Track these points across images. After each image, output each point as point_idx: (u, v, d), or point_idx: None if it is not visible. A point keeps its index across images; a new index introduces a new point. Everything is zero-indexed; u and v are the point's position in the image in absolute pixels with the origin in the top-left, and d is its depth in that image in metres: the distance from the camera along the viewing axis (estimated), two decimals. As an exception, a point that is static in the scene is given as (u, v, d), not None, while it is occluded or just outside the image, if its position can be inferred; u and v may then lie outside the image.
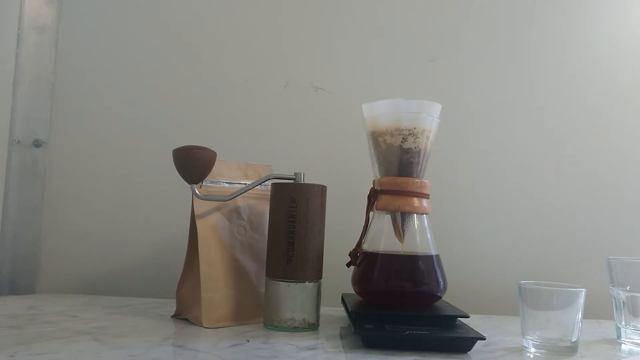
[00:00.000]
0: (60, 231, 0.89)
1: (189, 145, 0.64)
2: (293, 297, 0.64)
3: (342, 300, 0.71)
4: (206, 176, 0.66)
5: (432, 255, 0.67)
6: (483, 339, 0.57)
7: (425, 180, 0.68)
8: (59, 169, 0.90)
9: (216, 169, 0.67)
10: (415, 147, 0.67)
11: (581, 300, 0.57)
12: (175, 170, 0.65)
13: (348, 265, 0.68)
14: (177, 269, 0.70)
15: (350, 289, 0.69)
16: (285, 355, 0.53)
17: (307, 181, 0.67)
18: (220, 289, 0.65)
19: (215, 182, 0.69)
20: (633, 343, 0.65)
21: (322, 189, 0.66)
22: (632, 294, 0.66)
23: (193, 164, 0.64)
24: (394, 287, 0.65)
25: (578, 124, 0.91)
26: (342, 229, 0.75)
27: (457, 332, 0.58)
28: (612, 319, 0.69)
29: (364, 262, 0.67)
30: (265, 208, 0.70)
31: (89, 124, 0.91)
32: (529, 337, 0.59)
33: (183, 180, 0.65)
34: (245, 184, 0.70)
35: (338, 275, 0.71)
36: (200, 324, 0.63)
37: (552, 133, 0.91)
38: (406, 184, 0.67)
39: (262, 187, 0.70)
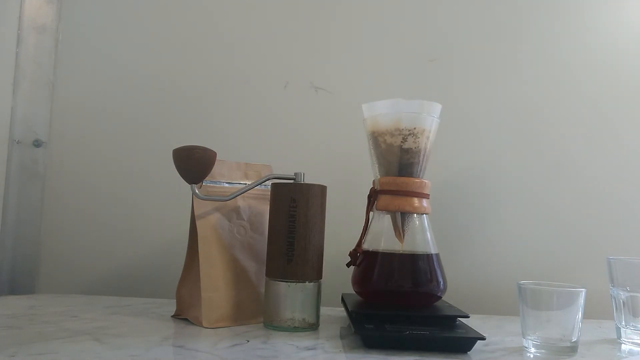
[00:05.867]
0: (60, 231, 0.89)
1: (189, 145, 0.64)
2: (293, 297, 0.64)
3: (342, 300, 0.71)
4: (206, 176, 0.66)
5: (432, 256, 0.67)
6: (483, 339, 0.57)
7: (425, 180, 0.68)
8: (59, 169, 0.90)
9: (216, 169, 0.67)
10: (415, 147, 0.67)
11: (581, 300, 0.57)
12: (175, 170, 0.65)
13: (348, 265, 0.68)
14: (177, 269, 0.70)
15: (350, 289, 0.69)
16: (285, 355, 0.53)
17: (307, 181, 0.67)
18: (220, 289, 0.65)
19: (215, 182, 0.69)
20: (633, 343, 0.65)
21: (322, 189, 0.66)
22: (632, 294, 0.66)
23: (193, 164, 0.64)
24: (394, 287, 0.65)
25: (578, 124, 0.91)
26: (342, 229, 0.75)
27: (457, 332, 0.58)
28: (612, 319, 0.69)
29: (364, 262, 0.67)
30: (265, 208, 0.70)
31: (89, 124, 0.91)
32: (529, 337, 0.59)
33: (183, 180, 0.65)
34: (245, 184, 0.70)
35: (338, 275, 0.71)
36: (200, 324, 0.63)
37: (552, 132, 0.91)
38: (406, 184, 0.67)
39: (262, 187, 0.70)
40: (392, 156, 0.68)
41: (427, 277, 0.66)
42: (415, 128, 0.67)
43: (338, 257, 0.69)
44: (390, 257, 0.67)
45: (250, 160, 0.73)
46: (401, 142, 0.67)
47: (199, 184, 0.66)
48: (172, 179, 0.68)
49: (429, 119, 0.68)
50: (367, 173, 0.73)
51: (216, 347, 0.55)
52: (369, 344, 0.57)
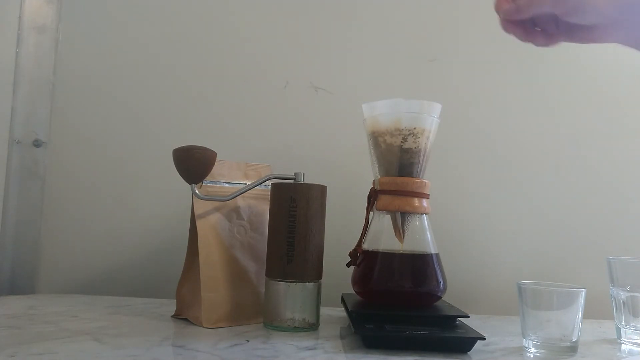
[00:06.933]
0: (60, 231, 0.89)
1: (189, 145, 0.64)
2: (293, 297, 0.64)
3: (342, 300, 0.71)
4: (206, 176, 0.66)
5: (432, 256, 0.67)
6: (483, 339, 0.57)
7: (425, 180, 0.68)
8: (59, 169, 0.90)
9: (216, 169, 0.67)
10: (415, 147, 0.67)
11: (581, 300, 0.57)
12: (175, 170, 0.65)
13: (348, 265, 0.68)
14: (177, 269, 0.70)
15: (350, 289, 0.69)
16: (285, 355, 0.53)
17: (307, 181, 0.67)
18: (220, 289, 0.65)
19: (215, 182, 0.69)
20: (633, 343, 0.65)
21: (322, 189, 0.66)
22: (632, 294, 0.66)
23: (193, 164, 0.64)
24: (394, 287, 0.65)
25: (578, 124, 0.91)
26: (342, 229, 0.75)
27: (457, 332, 0.58)
28: (612, 319, 0.69)
29: (364, 262, 0.67)
30: (265, 208, 0.70)
31: (89, 124, 0.91)
32: (529, 337, 0.59)
33: (183, 180, 0.65)
34: (245, 184, 0.70)
35: (338, 275, 0.71)
36: (200, 324, 0.63)
37: (552, 132, 0.91)
38: (406, 184, 0.67)
39: (262, 187, 0.70)
40: (392, 156, 0.68)
41: (427, 277, 0.66)
42: (415, 128, 0.67)
43: (338, 257, 0.69)
44: (390, 257, 0.67)
45: (250, 160, 0.73)
46: (401, 142, 0.67)
47: (199, 184, 0.66)
48: (172, 179, 0.68)
49: (429, 119, 0.68)
50: (367, 173, 0.73)
51: (216, 347, 0.55)
52: (369, 344, 0.57)
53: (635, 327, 0.65)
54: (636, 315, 0.65)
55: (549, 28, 0.58)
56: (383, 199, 0.67)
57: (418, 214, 0.68)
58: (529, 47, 0.92)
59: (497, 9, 0.57)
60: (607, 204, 0.89)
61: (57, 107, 0.91)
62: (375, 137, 0.69)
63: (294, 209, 0.64)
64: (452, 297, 0.70)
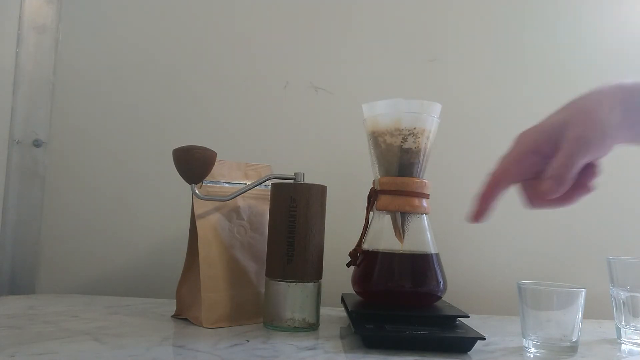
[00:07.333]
0: (60, 231, 0.89)
1: (189, 145, 0.64)
2: (293, 297, 0.64)
3: (342, 300, 0.71)
4: (206, 176, 0.66)
5: (432, 255, 0.67)
6: (483, 339, 0.57)
7: (425, 180, 0.68)
8: (59, 169, 0.90)
9: (216, 169, 0.67)
10: (415, 147, 0.67)
11: (581, 300, 0.57)
12: (175, 170, 0.65)
13: (348, 265, 0.68)
14: (177, 269, 0.70)
15: (350, 289, 0.69)
16: (285, 355, 0.53)
17: (307, 181, 0.67)
18: (220, 289, 0.65)
19: (215, 182, 0.69)
20: (633, 343, 0.65)
21: (322, 189, 0.66)
22: (632, 294, 0.66)
23: (193, 164, 0.64)
24: (394, 287, 0.65)
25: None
26: (342, 229, 0.75)
27: (457, 332, 0.58)
28: (612, 319, 0.69)
29: (364, 262, 0.67)
30: (265, 208, 0.70)
31: (89, 124, 0.91)
32: (529, 337, 0.59)
33: (183, 180, 0.65)
34: (245, 184, 0.70)
35: (338, 275, 0.71)
36: (200, 324, 0.63)
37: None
38: (406, 184, 0.67)
39: (262, 187, 0.70)
40: (392, 156, 0.68)
41: (427, 277, 0.66)
42: (415, 128, 0.67)
43: (338, 257, 0.69)
44: (390, 257, 0.67)
45: (250, 160, 0.73)
46: (401, 142, 0.67)
47: (199, 184, 0.66)
48: (172, 179, 0.68)
49: (429, 119, 0.68)
50: (367, 173, 0.73)
51: (216, 347, 0.55)
52: (369, 344, 0.57)
53: (635, 327, 0.65)
54: (636, 315, 0.65)
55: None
56: (383, 199, 0.67)
57: (418, 214, 0.68)
58: (528, 47, 0.92)
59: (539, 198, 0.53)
60: (607, 204, 0.89)
61: (57, 107, 0.91)
62: (375, 137, 0.69)
63: (294, 209, 0.64)
64: (452, 297, 0.70)
